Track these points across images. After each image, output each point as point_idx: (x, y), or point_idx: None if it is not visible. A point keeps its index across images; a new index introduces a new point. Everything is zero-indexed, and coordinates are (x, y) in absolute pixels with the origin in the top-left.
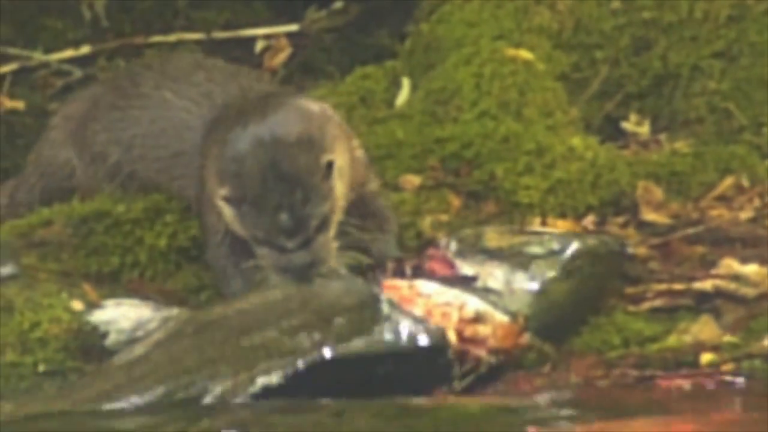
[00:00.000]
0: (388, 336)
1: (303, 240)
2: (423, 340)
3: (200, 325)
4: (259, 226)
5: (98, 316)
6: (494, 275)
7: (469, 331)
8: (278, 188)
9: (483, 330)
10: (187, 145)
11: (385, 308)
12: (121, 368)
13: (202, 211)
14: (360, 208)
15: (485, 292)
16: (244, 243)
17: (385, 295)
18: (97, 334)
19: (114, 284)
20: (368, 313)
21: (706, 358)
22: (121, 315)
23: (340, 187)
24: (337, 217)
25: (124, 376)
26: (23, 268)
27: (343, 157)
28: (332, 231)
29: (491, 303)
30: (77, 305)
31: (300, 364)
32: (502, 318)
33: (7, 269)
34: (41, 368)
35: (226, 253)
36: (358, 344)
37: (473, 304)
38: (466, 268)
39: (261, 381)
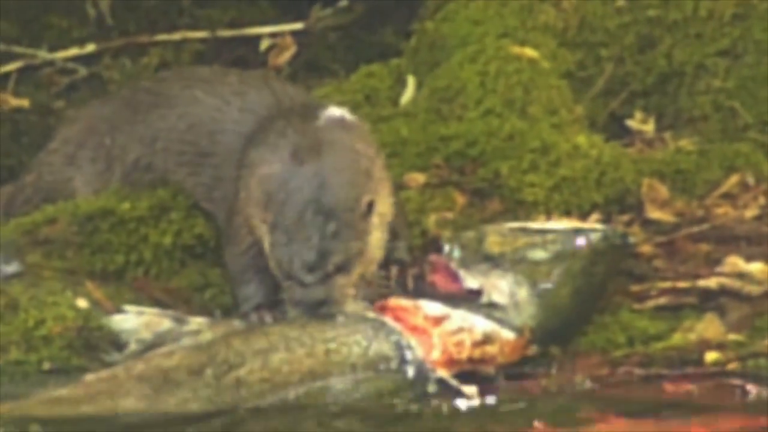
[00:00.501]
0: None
1: (321, 276)
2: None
3: (220, 372)
4: (285, 256)
5: (120, 324)
6: (498, 288)
7: (477, 353)
8: (313, 222)
9: (491, 349)
10: (218, 147)
11: (410, 371)
12: (137, 400)
13: (232, 216)
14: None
15: (490, 308)
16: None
17: (398, 332)
18: (108, 336)
19: (119, 282)
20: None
21: (710, 356)
22: (142, 325)
23: (377, 235)
24: (368, 265)
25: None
26: (28, 266)
27: (385, 202)
28: (355, 275)
29: (497, 320)
30: (82, 303)
31: None
32: (508, 335)
33: (11, 267)
34: (46, 366)
35: (245, 262)
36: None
37: (480, 325)
38: (470, 281)
39: None
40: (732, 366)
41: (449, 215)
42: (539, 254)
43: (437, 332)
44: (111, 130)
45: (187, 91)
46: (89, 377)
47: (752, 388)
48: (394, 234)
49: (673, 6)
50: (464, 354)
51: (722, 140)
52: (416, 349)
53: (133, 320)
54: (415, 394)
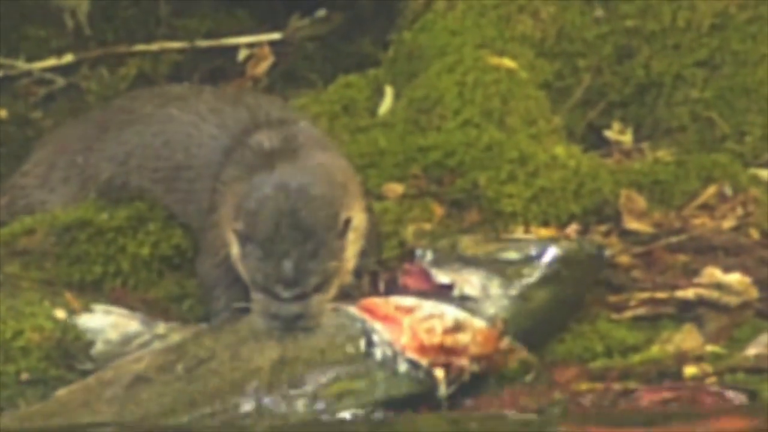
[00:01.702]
0: (382, 388)
1: (300, 293)
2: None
3: (191, 365)
4: (260, 269)
5: (86, 323)
6: (470, 282)
7: (449, 340)
8: (290, 236)
9: (463, 338)
10: (193, 161)
11: (378, 353)
12: (109, 403)
13: (205, 228)
14: None
15: (462, 300)
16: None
17: (363, 318)
18: (81, 340)
19: (96, 293)
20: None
21: (689, 371)
22: (109, 325)
23: (351, 250)
24: (342, 280)
25: (112, 414)
26: (6, 276)
27: (360, 217)
28: (332, 293)
29: (469, 310)
30: (60, 314)
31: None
32: (480, 324)
33: None
34: (24, 377)
35: (219, 274)
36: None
37: (451, 313)
38: (441, 276)
39: None
40: (710, 380)
41: (427, 226)
42: (512, 255)
43: (407, 320)
44: (83, 149)
45: (161, 109)
46: (61, 392)
47: (730, 395)
48: (366, 247)
49: (650, 17)
50: (435, 339)
51: (700, 151)
52: (383, 333)
53: (100, 319)
54: (385, 375)
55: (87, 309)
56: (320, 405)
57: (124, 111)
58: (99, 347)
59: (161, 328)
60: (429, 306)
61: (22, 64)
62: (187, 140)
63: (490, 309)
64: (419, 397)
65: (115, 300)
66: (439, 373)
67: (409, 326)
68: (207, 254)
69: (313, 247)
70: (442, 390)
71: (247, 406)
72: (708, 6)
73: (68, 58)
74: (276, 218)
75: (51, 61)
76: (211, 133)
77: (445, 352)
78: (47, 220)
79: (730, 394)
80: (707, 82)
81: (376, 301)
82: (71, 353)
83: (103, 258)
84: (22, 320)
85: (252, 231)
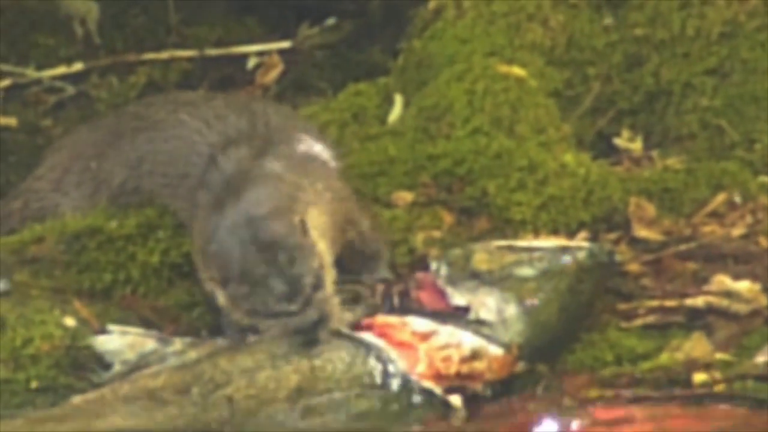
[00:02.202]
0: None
1: (302, 301)
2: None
3: (206, 390)
4: (254, 300)
5: (103, 345)
6: (486, 305)
7: (465, 369)
8: (262, 258)
9: (479, 366)
10: (191, 169)
11: (395, 384)
12: (124, 418)
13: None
14: (353, 253)
15: (477, 324)
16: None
17: (385, 348)
18: (95, 356)
19: (106, 301)
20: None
21: (698, 378)
22: (126, 345)
23: (322, 245)
24: (330, 274)
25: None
26: (15, 284)
27: (320, 219)
28: (329, 287)
29: (484, 336)
30: (70, 322)
31: None
32: (496, 351)
33: None
34: (33, 385)
35: (212, 289)
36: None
37: (468, 341)
38: (457, 297)
39: None
40: (719, 388)
41: (437, 234)
42: (526, 271)
43: (424, 347)
44: (97, 154)
45: (173, 114)
46: (76, 399)
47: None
48: (372, 259)
49: (660, 25)
50: (452, 369)
51: (709, 159)
52: (399, 362)
53: (117, 341)
54: (401, 406)
55: (103, 330)
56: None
57: (138, 117)
58: (117, 368)
59: (178, 344)
60: (446, 333)
61: (31, 73)
62: (191, 147)
63: (506, 335)
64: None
65: (125, 308)
66: (456, 401)
67: (425, 354)
68: (198, 266)
69: (287, 255)
70: (459, 416)
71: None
72: (717, 14)
73: (78, 66)
74: (240, 249)
75: (61, 70)
76: (211, 141)
77: (460, 379)
78: (57, 227)
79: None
80: (717, 90)
81: (391, 322)
82: (82, 363)
83: (113, 266)
84: (31, 328)
85: (227, 272)
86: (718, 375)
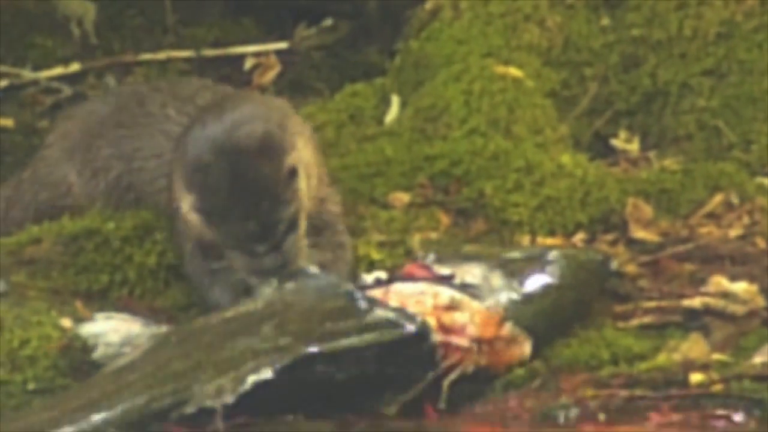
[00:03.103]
0: (371, 328)
1: (272, 244)
2: (406, 327)
3: (185, 334)
4: (228, 234)
5: (87, 329)
6: (472, 273)
7: (446, 318)
8: (244, 198)
9: (460, 317)
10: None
11: (363, 304)
12: (107, 378)
13: (174, 222)
14: (316, 225)
15: (463, 287)
16: (214, 248)
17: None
18: (86, 349)
19: (103, 302)
20: (348, 309)
21: (695, 378)
22: (110, 329)
23: (304, 186)
24: (305, 215)
25: (111, 385)
26: (13, 285)
27: (306, 152)
28: (302, 229)
29: (468, 293)
30: (67, 323)
31: (287, 359)
32: (479, 306)
33: None
34: (31, 386)
35: (199, 264)
36: (343, 340)
37: (447, 292)
38: (443, 269)
39: (251, 378)
40: (716, 388)
41: (433, 235)
42: (514, 254)
43: (396, 297)
44: (100, 135)
45: (162, 109)
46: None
47: (738, 417)
48: (333, 252)
49: (657, 25)
50: (426, 312)
51: (706, 160)
52: (368, 293)
53: (101, 325)
54: (373, 320)
55: (89, 319)
56: (312, 347)
57: (140, 104)
58: (100, 351)
59: (163, 329)
60: (422, 286)
61: (28, 74)
62: (176, 142)
63: (491, 298)
64: (414, 347)
65: (122, 309)
66: (431, 320)
67: (396, 298)
68: (183, 246)
69: (269, 202)
70: (435, 338)
71: (238, 349)
72: (714, 15)
73: (75, 67)
74: (225, 184)
75: (58, 70)
76: None
77: (442, 330)
78: (54, 229)
79: (737, 416)
80: (714, 90)
81: (373, 291)
82: (78, 363)
83: (110, 267)
84: (28, 329)
85: (207, 203)
86: (715, 375)
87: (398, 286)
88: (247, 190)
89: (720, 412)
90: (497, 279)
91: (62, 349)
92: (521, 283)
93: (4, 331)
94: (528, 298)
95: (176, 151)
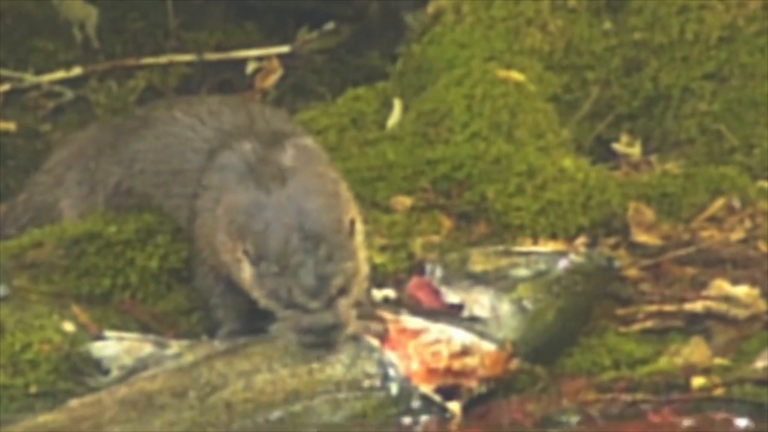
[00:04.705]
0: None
1: (326, 300)
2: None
3: (203, 393)
4: (281, 284)
5: (101, 351)
6: (480, 302)
7: (457, 364)
8: (302, 246)
9: (471, 361)
10: (187, 165)
11: (394, 388)
12: (122, 425)
13: (192, 238)
14: None
15: (471, 322)
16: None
17: (379, 349)
18: (92, 362)
19: (105, 306)
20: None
21: (697, 382)
22: (123, 351)
23: (361, 252)
24: (361, 283)
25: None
26: (15, 289)
27: (359, 219)
28: (354, 295)
29: (477, 333)
30: (68, 327)
31: None
32: (489, 347)
33: None
34: (32, 390)
35: (210, 283)
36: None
37: (459, 337)
38: (451, 296)
39: None
40: (718, 392)
41: (436, 239)
42: (522, 272)
43: (412, 344)
44: (97, 153)
45: (167, 112)
46: (73, 402)
47: (739, 421)
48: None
49: (659, 29)
50: (442, 364)
51: (708, 163)
52: (398, 366)
53: (114, 346)
54: (399, 410)
55: (99, 336)
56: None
57: (138, 118)
58: (114, 374)
59: (174, 347)
60: (436, 330)
61: (30, 77)
62: (184, 144)
63: (500, 331)
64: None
65: (124, 313)
66: (454, 407)
67: (414, 350)
68: (197, 263)
69: (327, 251)
70: (457, 420)
71: None
72: (716, 19)
73: (77, 70)
74: (285, 232)
75: (60, 74)
76: (206, 137)
77: (453, 375)
78: (56, 232)
79: (738, 420)
80: (715, 94)
81: (386, 316)
82: (81, 368)
83: (112, 271)
84: (30, 333)
85: (264, 250)
86: (716, 379)
87: (409, 322)
88: (306, 239)
89: (721, 415)
90: (505, 306)
91: (64, 354)
92: (529, 306)
93: (5, 334)
94: (536, 320)
95: (211, 184)
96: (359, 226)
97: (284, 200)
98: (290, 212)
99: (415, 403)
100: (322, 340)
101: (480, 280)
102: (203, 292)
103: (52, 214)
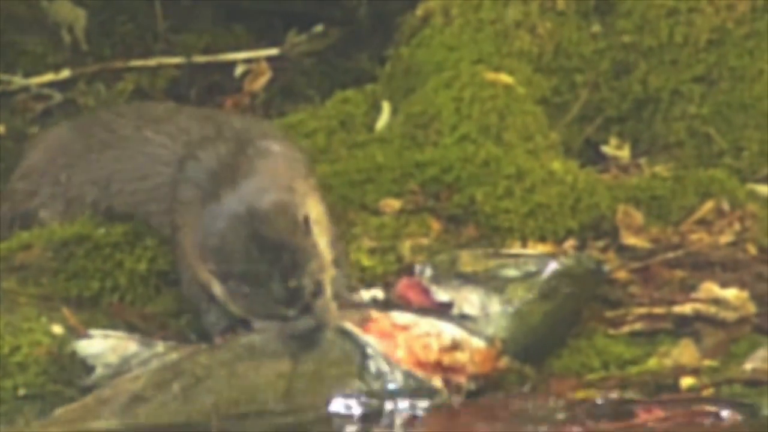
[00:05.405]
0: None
1: (302, 306)
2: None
3: (187, 384)
4: (253, 300)
5: (86, 349)
6: (469, 300)
7: (447, 359)
8: (264, 258)
9: (461, 357)
10: (161, 179)
11: (373, 365)
12: (106, 420)
13: (174, 247)
14: None
15: (461, 319)
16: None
17: (357, 333)
18: (80, 362)
19: (94, 308)
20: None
21: (686, 382)
22: (108, 348)
23: (322, 242)
24: (329, 273)
25: (115, 420)
26: (3, 292)
27: (317, 209)
28: (329, 291)
29: (467, 330)
30: (57, 329)
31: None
32: (478, 343)
33: None
34: (21, 392)
35: (197, 290)
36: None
37: (449, 331)
38: (441, 294)
39: None
40: (707, 392)
41: (425, 241)
42: (511, 273)
43: (403, 336)
44: (67, 165)
45: (138, 132)
46: (59, 411)
47: (726, 415)
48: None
49: (648, 32)
50: (431, 357)
51: (697, 166)
52: (377, 345)
53: (99, 344)
54: (381, 387)
55: (85, 334)
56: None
57: (107, 129)
58: (99, 372)
59: (160, 347)
60: (426, 324)
61: (19, 80)
62: (157, 161)
63: (489, 328)
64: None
65: (113, 315)
66: (437, 381)
67: (404, 342)
68: (182, 271)
69: (290, 258)
70: (443, 398)
71: (244, 425)
72: (705, 21)
73: (65, 73)
74: (243, 245)
75: (48, 77)
76: (177, 152)
77: (442, 369)
78: (44, 235)
79: (725, 413)
80: (704, 97)
81: (373, 315)
82: (69, 369)
83: (101, 273)
84: (19, 336)
85: (226, 268)
86: (705, 380)
87: (400, 317)
88: (266, 249)
89: (708, 408)
90: (495, 305)
91: (52, 356)
92: (518, 305)
93: None
94: (525, 320)
95: (181, 199)
96: (316, 215)
97: (235, 207)
98: (243, 220)
99: (398, 378)
100: (308, 342)
101: (470, 280)
102: (192, 298)
103: (36, 222)
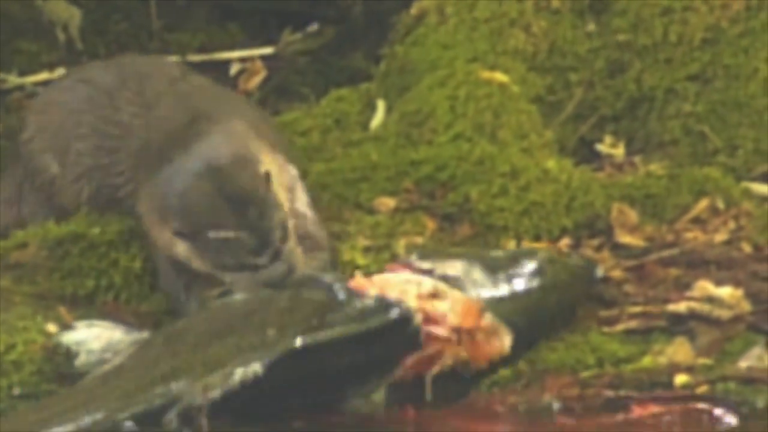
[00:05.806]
0: (355, 318)
1: (273, 253)
2: (389, 314)
3: (169, 336)
4: (223, 253)
5: (69, 337)
6: (453, 267)
7: (427, 306)
8: (230, 210)
9: (441, 306)
10: (118, 142)
11: (342, 295)
12: (94, 381)
13: (145, 237)
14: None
15: (444, 278)
16: (206, 278)
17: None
18: (69, 356)
19: (89, 307)
20: (329, 301)
21: (680, 379)
22: (92, 336)
23: (282, 194)
24: (292, 224)
25: (99, 389)
26: None
27: (273, 166)
28: (294, 239)
29: (449, 284)
30: (52, 328)
31: (275, 354)
32: (460, 294)
33: None
34: (16, 391)
35: (174, 279)
36: (327, 332)
37: (429, 282)
38: (423, 264)
39: (239, 373)
40: (701, 389)
41: (419, 240)
42: (498, 253)
43: (379, 282)
44: (77, 136)
45: (133, 119)
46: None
47: (720, 413)
48: (311, 249)
49: (642, 31)
50: (410, 303)
51: (692, 165)
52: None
53: (83, 333)
54: (353, 310)
55: (70, 326)
56: (298, 341)
57: (110, 99)
58: (82, 358)
59: (144, 334)
60: (404, 275)
61: (14, 78)
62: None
63: (472, 290)
64: (396, 333)
65: (108, 314)
66: (411, 302)
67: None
68: (158, 263)
69: (257, 210)
70: (418, 320)
71: (225, 347)
72: (700, 20)
73: (60, 72)
74: (208, 200)
75: (43, 75)
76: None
77: (424, 321)
78: (39, 233)
79: (719, 412)
80: (699, 96)
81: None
82: (63, 368)
83: (96, 272)
84: (14, 334)
85: (194, 224)
86: (700, 377)
87: (381, 276)
88: (231, 202)
89: (702, 405)
90: (478, 273)
91: (47, 355)
92: (503, 280)
93: None
94: (509, 294)
95: (137, 181)
96: (272, 169)
97: (193, 164)
98: (205, 175)
99: (368, 302)
100: (282, 287)
101: (454, 255)
102: (170, 290)
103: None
